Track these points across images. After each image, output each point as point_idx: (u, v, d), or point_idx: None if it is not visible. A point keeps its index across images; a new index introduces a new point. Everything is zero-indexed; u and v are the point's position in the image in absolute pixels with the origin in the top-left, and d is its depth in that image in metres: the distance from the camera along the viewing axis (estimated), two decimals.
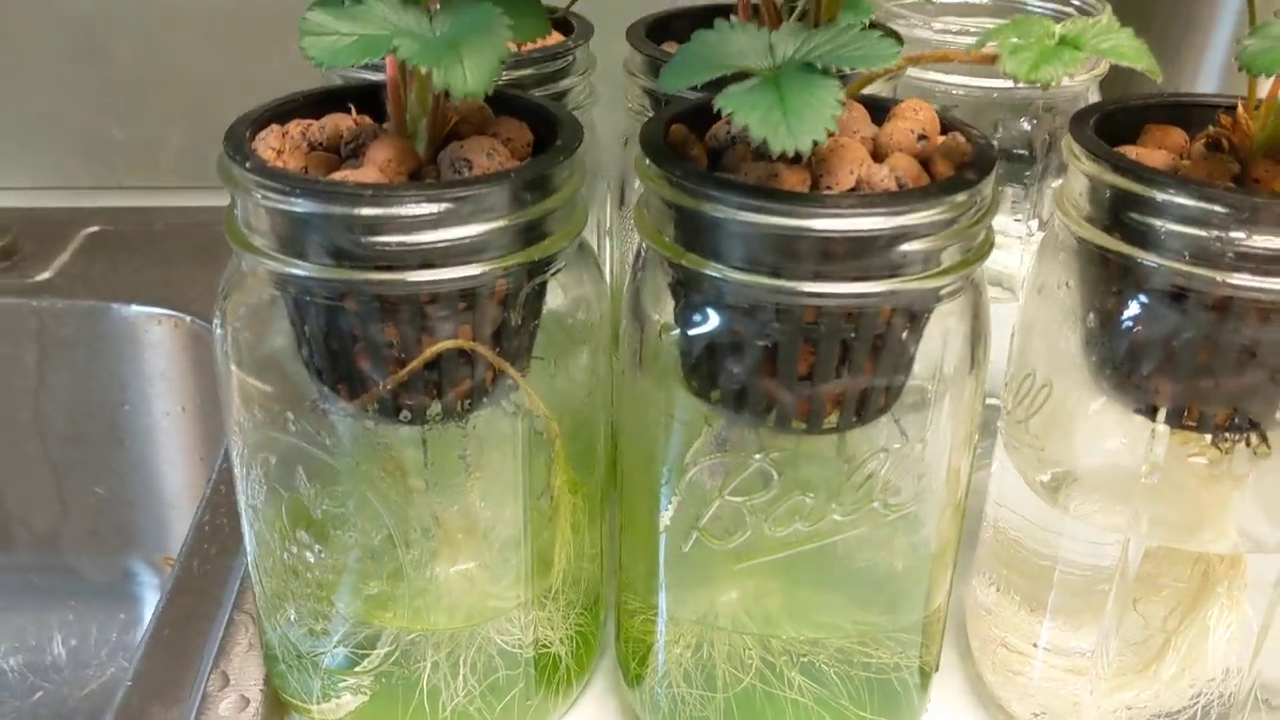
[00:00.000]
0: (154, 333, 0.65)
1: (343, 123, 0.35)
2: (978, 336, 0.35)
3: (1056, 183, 0.44)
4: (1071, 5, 0.53)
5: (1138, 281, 0.34)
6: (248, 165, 0.31)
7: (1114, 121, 0.37)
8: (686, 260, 0.32)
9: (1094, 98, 0.51)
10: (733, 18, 0.33)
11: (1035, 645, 0.41)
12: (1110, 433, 0.36)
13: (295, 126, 0.35)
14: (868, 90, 0.35)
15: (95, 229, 0.74)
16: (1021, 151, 0.53)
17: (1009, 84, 0.47)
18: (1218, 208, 0.31)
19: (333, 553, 0.36)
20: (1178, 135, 0.36)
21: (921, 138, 0.33)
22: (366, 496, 0.35)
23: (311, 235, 0.31)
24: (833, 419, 0.34)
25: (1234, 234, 0.31)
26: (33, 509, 0.69)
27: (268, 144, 0.33)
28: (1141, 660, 0.39)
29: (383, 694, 0.39)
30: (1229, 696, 0.39)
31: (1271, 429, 0.35)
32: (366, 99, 0.36)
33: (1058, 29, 0.29)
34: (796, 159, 0.31)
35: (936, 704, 0.44)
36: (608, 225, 0.51)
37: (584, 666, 0.43)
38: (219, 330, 0.36)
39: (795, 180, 0.32)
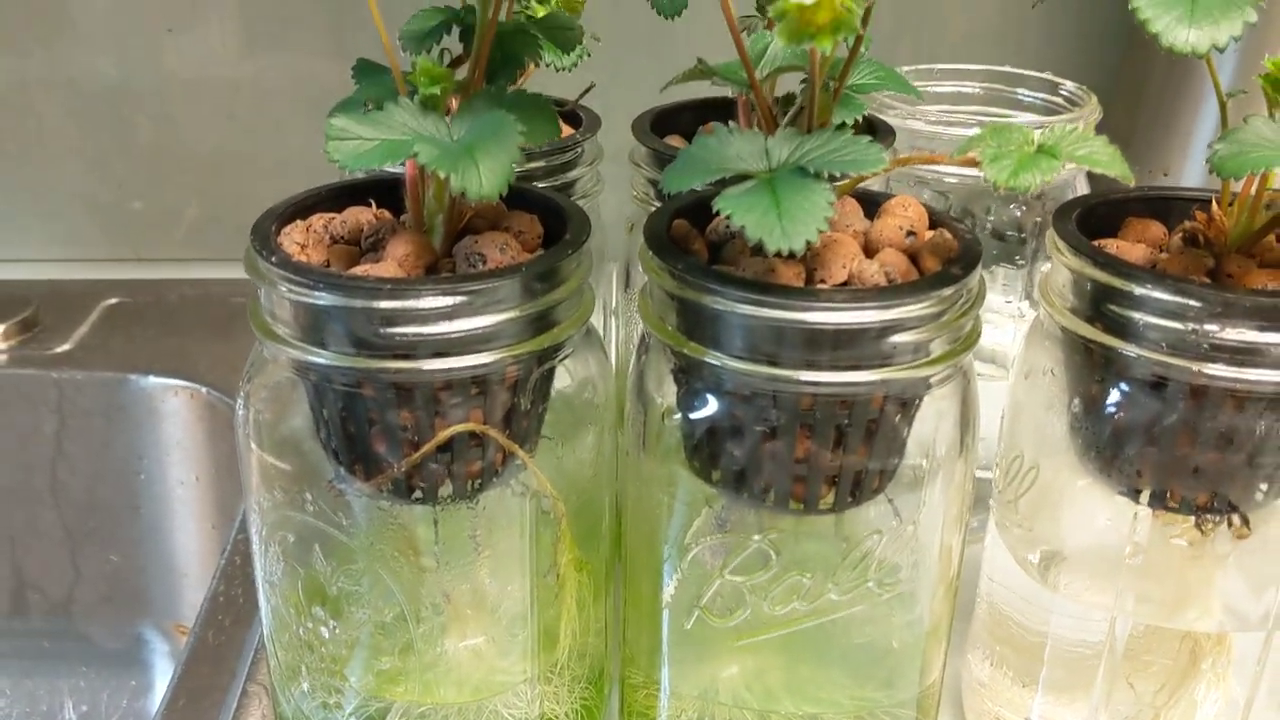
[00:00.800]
0: (170, 403, 0.67)
1: (363, 216, 0.37)
2: (966, 422, 0.36)
3: (1046, 266, 0.46)
4: (1060, 95, 0.55)
5: (1119, 370, 0.35)
6: (274, 260, 0.33)
7: (1096, 215, 0.39)
8: (688, 348, 0.34)
9: (1082, 183, 0.53)
10: (732, 122, 0.35)
11: (1028, 719, 0.42)
12: (1096, 514, 0.38)
13: (318, 220, 0.36)
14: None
15: (114, 301, 0.76)
16: (1013, 234, 0.54)
17: None
18: (1192, 302, 0.33)
19: (346, 628, 0.38)
20: (1157, 229, 0.38)
21: (910, 234, 0.35)
22: (380, 574, 0.37)
23: (333, 326, 0.33)
24: (829, 500, 0.35)
25: (1208, 326, 0.33)
26: (47, 575, 0.70)
27: (293, 239, 0.35)
28: None
29: None
30: None
31: (1251, 511, 0.36)
32: (385, 191, 0.38)
33: (1036, 137, 0.31)
34: (791, 254, 0.33)
35: None
36: (614, 305, 0.53)
37: None
38: (241, 411, 0.37)
39: (791, 274, 0.34)
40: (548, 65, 0.40)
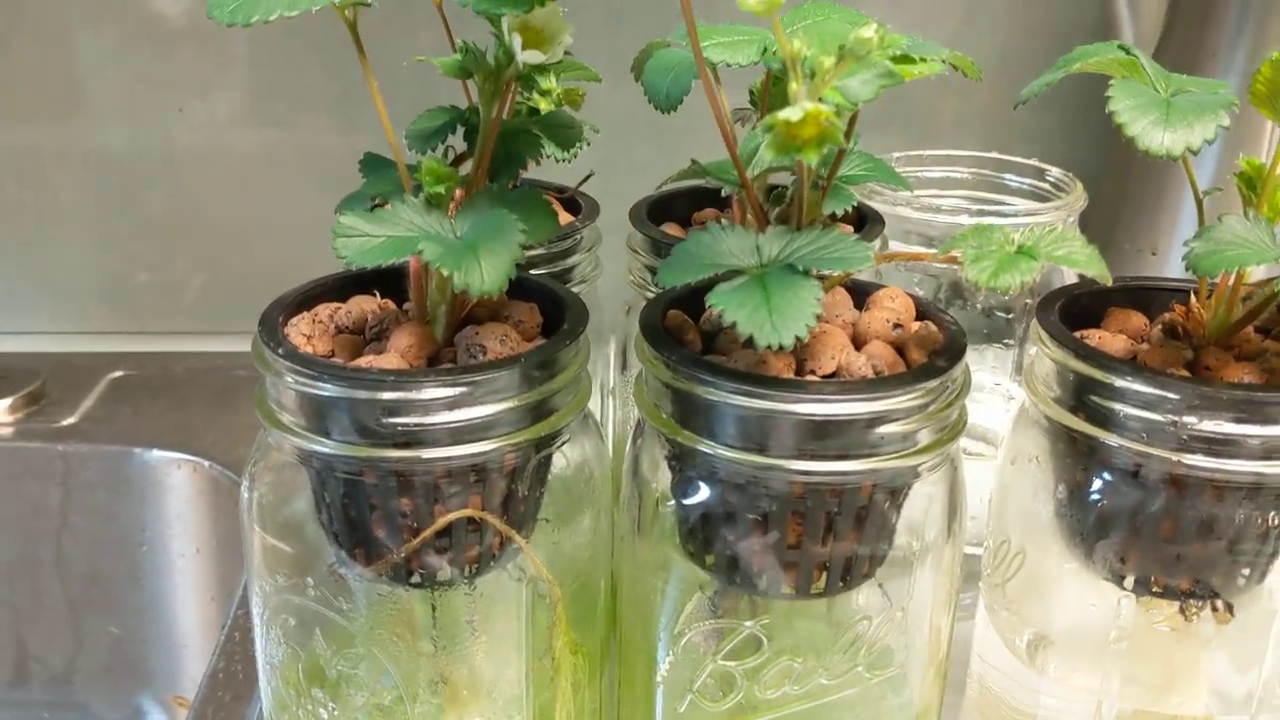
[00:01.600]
0: (174, 476, 0.68)
1: (367, 306, 0.38)
2: (954, 508, 0.37)
3: (1034, 350, 0.47)
4: (1047, 180, 0.56)
5: (1101, 459, 0.36)
6: (280, 351, 0.34)
7: (1079, 305, 0.40)
8: (681, 436, 0.35)
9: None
10: (724, 219, 0.36)
11: None
12: (1082, 598, 0.39)
13: (324, 310, 0.38)
14: None
15: (119, 374, 0.77)
16: (1002, 314, 0.56)
17: None
18: (1170, 394, 0.34)
19: (345, 710, 0.38)
20: (1138, 319, 0.39)
21: (897, 326, 0.36)
22: (378, 656, 0.37)
23: (337, 415, 0.34)
24: (820, 585, 0.36)
25: (1186, 418, 0.34)
26: (49, 646, 0.71)
27: (299, 330, 0.36)
28: None
29: None
30: None
31: (1233, 596, 0.37)
32: (389, 279, 0.40)
33: (1016, 238, 0.32)
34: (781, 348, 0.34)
35: None
36: (611, 386, 0.54)
37: None
38: (246, 495, 0.38)
39: (781, 365, 0.35)
40: (548, 156, 0.41)
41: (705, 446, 0.34)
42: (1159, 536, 0.36)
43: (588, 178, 0.51)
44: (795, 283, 0.32)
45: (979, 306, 0.57)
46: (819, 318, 0.32)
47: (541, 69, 0.39)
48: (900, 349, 0.36)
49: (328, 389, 0.33)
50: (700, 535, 0.36)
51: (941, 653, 0.39)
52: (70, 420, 0.70)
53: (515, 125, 0.37)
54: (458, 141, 0.39)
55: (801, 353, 0.35)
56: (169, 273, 0.85)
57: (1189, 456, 0.34)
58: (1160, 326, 0.38)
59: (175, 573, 0.69)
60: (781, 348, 0.32)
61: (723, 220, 0.35)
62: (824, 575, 0.36)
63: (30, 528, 0.69)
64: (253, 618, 0.39)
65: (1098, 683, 0.39)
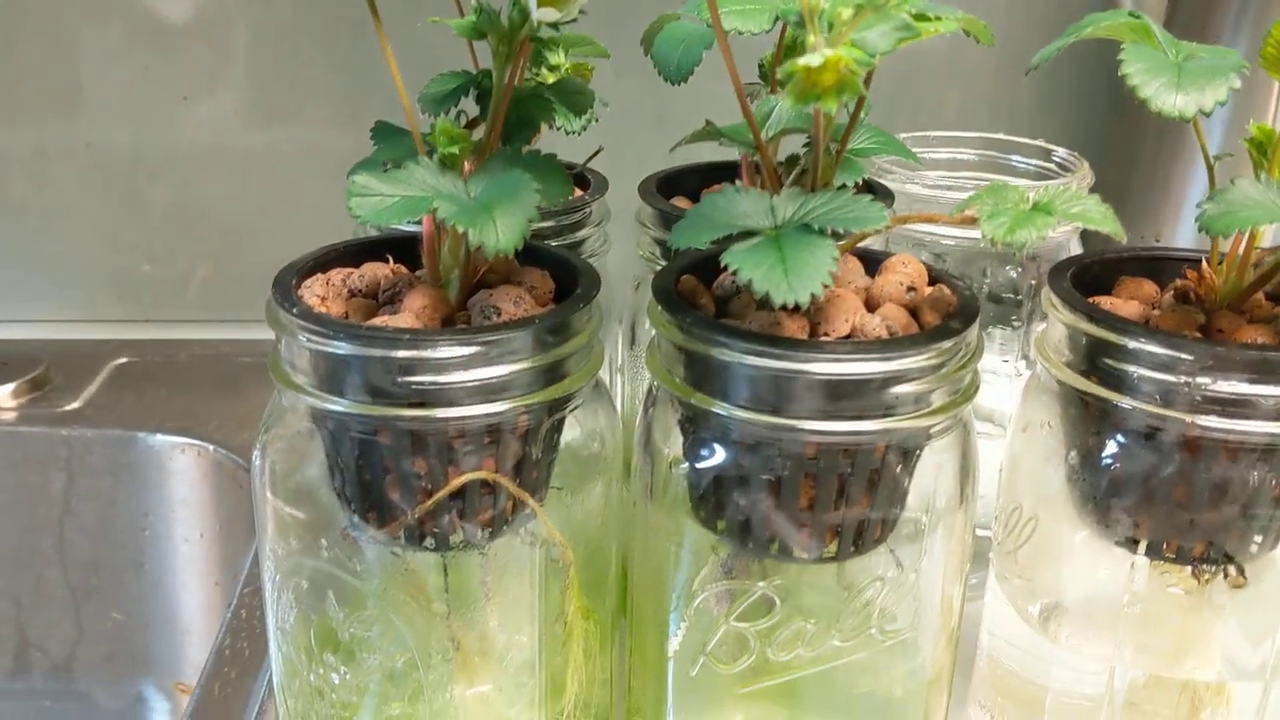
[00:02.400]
0: (178, 461, 0.68)
1: (380, 271, 0.38)
2: (966, 473, 0.37)
3: (1041, 326, 0.47)
4: (1053, 161, 0.56)
5: (1114, 422, 0.36)
6: (295, 311, 0.34)
7: (1090, 273, 0.40)
8: (695, 399, 0.35)
9: (1075, 245, 0.55)
10: (738, 181, 0.36)
11: None
12: (1094, 564, 0.39)
13: (337, 274, 0.38)
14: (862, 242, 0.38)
15: (123, 360, 0.77)
16: (1009, 296, 0.56)
17: None
18: (1185, 355, 0.34)
19: (357, 675, 0.38)
20: (1149, 287, 0.39)
21: (910, 289, 0.36)
22: (391, 619, 0.37)
23: (351, 374, 0.34)
24: (832, 548, 0.36)
25: (1200, 379, 0.34)
26: (50, 635, 0.70)
27: (313, 291, 0.36)
28: None
29: None
30: None
31: (1247, 561, 0.37)
32: (401, 247, 0.40)
33: (1031, 195, 0.32)
34: (796, 308, 0.34)
35: None
36: (619, 363, 0.54)
37: None
38: (258, 461, 0.38)
39: (795, 327, 0.35)
40: (557, 129, 0.41)
41: (720, 409, 0.34)
42: (1172, 500, 0.36)
43: (596, 153, 0.51)
44: (811, 242, 0.33)
45: (985, 289, 0.57)
46: (834, 279, 0.32)
47: (550, 44, 0.39)
48: (914, 312, 0.36)
49: (343, 347, 0.33)
50: (712, 499, 0.36)
51: (953, 621, 0.39)
52: (74, 406, 0.70)
53: (528, 90, 0.37)
54: (470, 108, 0.39)
55: (815, 316, 0.35)
56: (173, 266, 0.85)
57: (1203, 418, 0.34)
58: (1172, 292, 0.38)
59: (179, 558, 0.69)
60: (797, 306, 0.32)
61: (737, 184, 0.35)
62: (836, 539, 0.36)
63: (33, 514, 0.68)
64: (264, 585, 0.39)
65: (1110, 650, 0.39)
